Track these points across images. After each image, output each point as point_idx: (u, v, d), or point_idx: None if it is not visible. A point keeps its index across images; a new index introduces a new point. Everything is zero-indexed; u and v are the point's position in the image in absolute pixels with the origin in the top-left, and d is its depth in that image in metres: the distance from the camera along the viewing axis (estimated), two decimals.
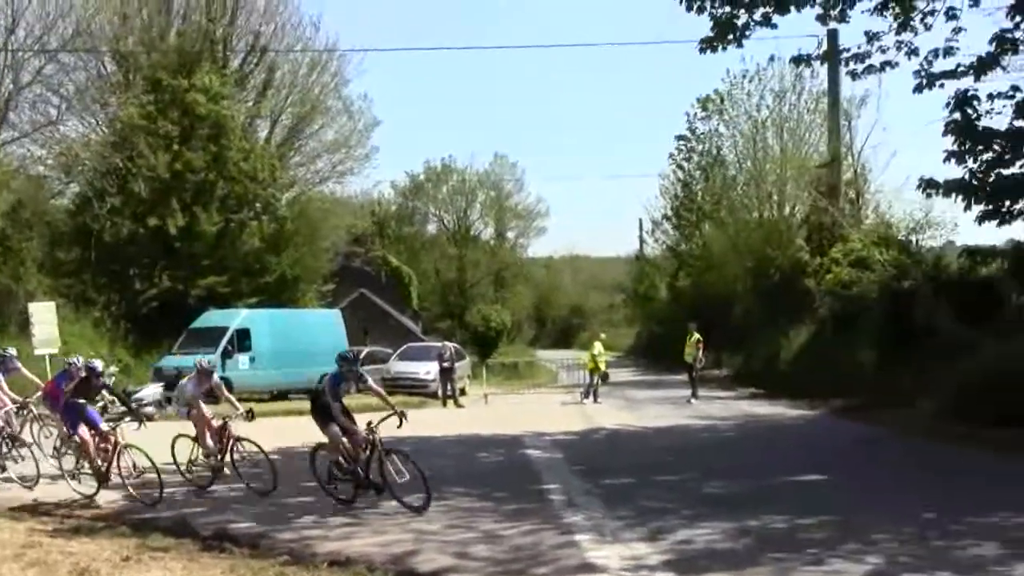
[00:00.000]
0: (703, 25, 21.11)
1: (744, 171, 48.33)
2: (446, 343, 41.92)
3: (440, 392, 36.45)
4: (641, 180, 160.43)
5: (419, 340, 53.53)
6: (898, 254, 31.47)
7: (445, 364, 36.81)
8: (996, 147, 20.19)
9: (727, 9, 20.86)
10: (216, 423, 16.32)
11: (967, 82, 20.65)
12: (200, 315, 37.86)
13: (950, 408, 21.58)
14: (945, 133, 20.44)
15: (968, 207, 20.46)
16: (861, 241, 34.05)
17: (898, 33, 21.48)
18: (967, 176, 20.44)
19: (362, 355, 42.64)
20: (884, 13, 21.37)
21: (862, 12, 21.54)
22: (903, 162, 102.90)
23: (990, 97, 20.42)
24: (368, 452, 14.18)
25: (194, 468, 16.46)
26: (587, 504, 14.03)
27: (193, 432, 16.43)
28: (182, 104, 41.92)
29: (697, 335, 34.66)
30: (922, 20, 21.32)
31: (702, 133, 54.44)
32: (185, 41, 44.14)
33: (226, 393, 17.08)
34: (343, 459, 14.43)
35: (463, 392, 39.41)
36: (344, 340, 41.04)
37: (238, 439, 16.19)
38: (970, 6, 20.82)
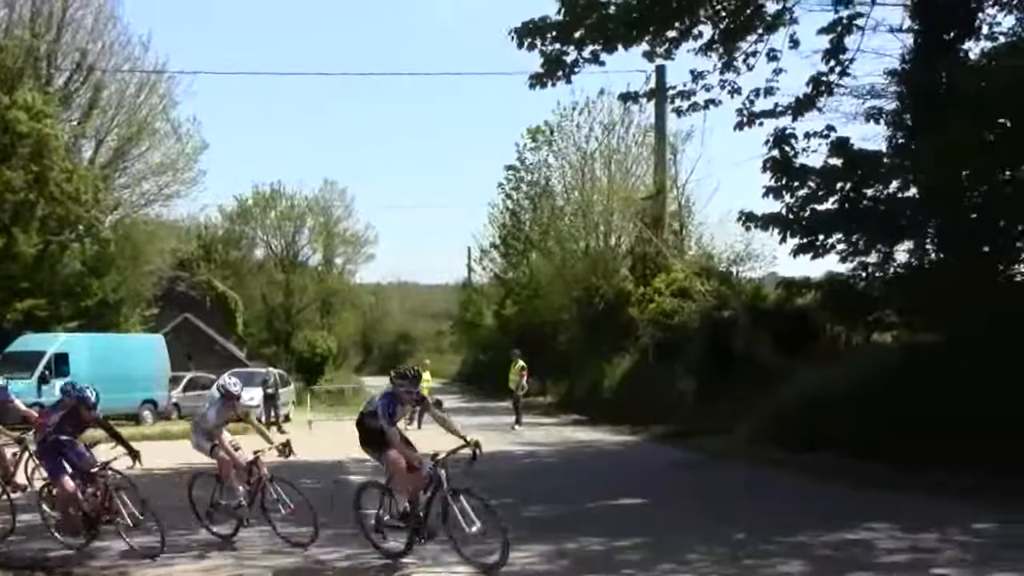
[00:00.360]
0: (536, 58, 21.43)
1: (572, 201, 48.83)
2: (270, 369, 41.45)
3: (264, 418, 35.91)
4: (471, 209, 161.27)
5: (243, 366, 52.63)
6: (719, 285, 32.27)
7: (269, 390, 36.40)
8: (811, 184, 20.73)
9: (557, 47, 21.18)
10: (244, 458, 13.69)
11: (785, 121, 21.34)
12: (16, 339, 36.52)
13: (767, 434, 22.22)
14: (764, 169, 20.95)
15: (784, 240, 21.02)
16: (683, 272, 34.82)
17: (722, 72, 22.12)
18: (784, 210, 21.03)
19: (185, 380, 42.23)
20: (709, 53, 21.96)
21: (688, 51, 22.13)
22: (726, 195, 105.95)
23: (807, 136, 21.03)
24: (430, 492, 11.74)
25: (216, 514, 13.87)
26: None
27: (207, 466, 14.18)
28: (2, 121, 40.34)
29: (521, 362, 34.91)
30: (745, 61, 22.03)
31: (531, 163, 54.84)
32: (7, 56, 42.47)
33: (255, 421, 14.78)
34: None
35: (287, 418, 38.98)
36: (167, 365, 40.28)
37: (271, 479, 13.51)
38: (790, 48, 21.55)
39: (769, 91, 21.72)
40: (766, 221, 21.18)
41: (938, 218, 19.83)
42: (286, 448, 13.64)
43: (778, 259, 36.65)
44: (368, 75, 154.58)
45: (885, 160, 20.45)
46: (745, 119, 21.92)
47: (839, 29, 20.66)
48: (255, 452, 13.64)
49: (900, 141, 20.66)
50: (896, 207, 20.32)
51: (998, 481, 15.42)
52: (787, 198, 20.92)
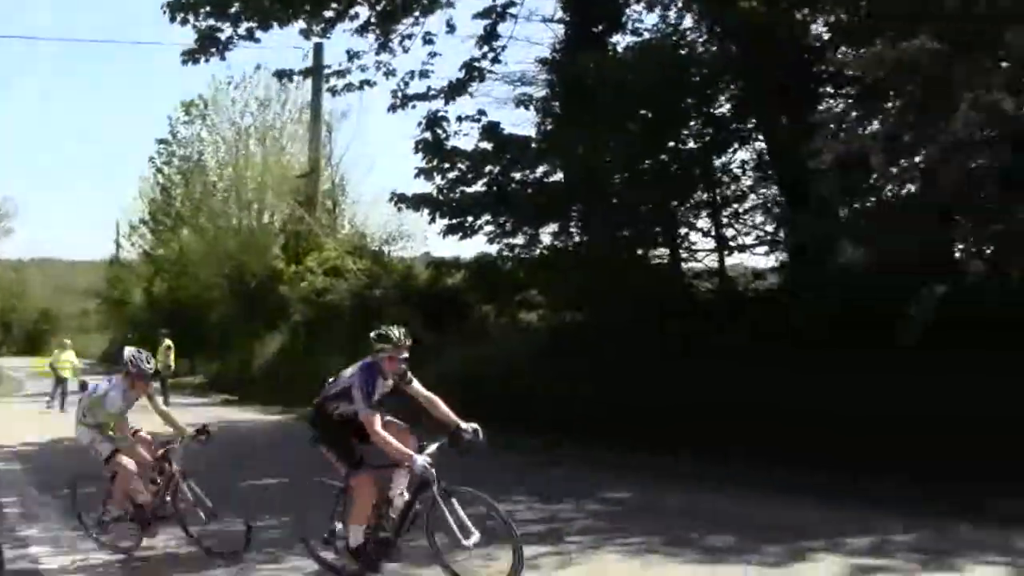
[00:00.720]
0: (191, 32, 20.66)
1: (225, 178, 47.46)
2: None
3: None
4: (120, 183, 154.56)
5: None
6: (371, 264, 32.17)
7: None
8: (461, 166, 20.99)
9: (211, 22, 20.48)
10: (147, 453, 10.80)
11: (438, 104, 21.53)
12: None
13: (414, 411, 22.20)
14: (417, 151, 21.07)
15: (433, 220, 21.20)
16: (336, 250, 34.55)
17: (378, 53, 22.09)
18: (435, 192, 21.17)
19: None
20: (365, 34, 21.76)
21: (344, 31, 21.89)
22: (382, 175, 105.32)
23: (459, 119, 21.32)
24: (411, 496, 9.22)
25: (109, 523, 11.03)
26: (45, 516, 13.00)
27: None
28: None
29: (168, 341, 33.68)
30: (401, 43, 22.04)
31: (184, 138, 52.88)
32: None
33: (162, 406, 11.53)
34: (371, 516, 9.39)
35: None
36: None
37: (185, 475, 10.75)
38: (447, 33, 21.69)
39: (424, 74, 21.87)
40: (416, 201, 21.28)
41: (582, 203, 20.36)
42: (203, 433, 11.04)
43: (429, 239, 37.14)
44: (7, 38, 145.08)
45: (533, 145, 20.83)
46: (399, 101, 21.96)
47: (493, 16, 21.00)
48: (166, 445, 10.86)
49: (548, 128, 21.12)
50: (543, 191, 20.73)
51: (637, 458, 15.99)
52: (438, 179, 21.13)
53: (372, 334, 9.38)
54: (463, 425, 9.23)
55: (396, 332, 9.31)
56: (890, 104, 14.13)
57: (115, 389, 10.87)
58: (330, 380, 9.77)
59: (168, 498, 10.81)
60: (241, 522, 10.53)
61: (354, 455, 9.43)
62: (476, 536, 8.67)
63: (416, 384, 9.54)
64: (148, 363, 10.85)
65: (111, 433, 10.99)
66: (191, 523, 10.79)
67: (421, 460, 8.79)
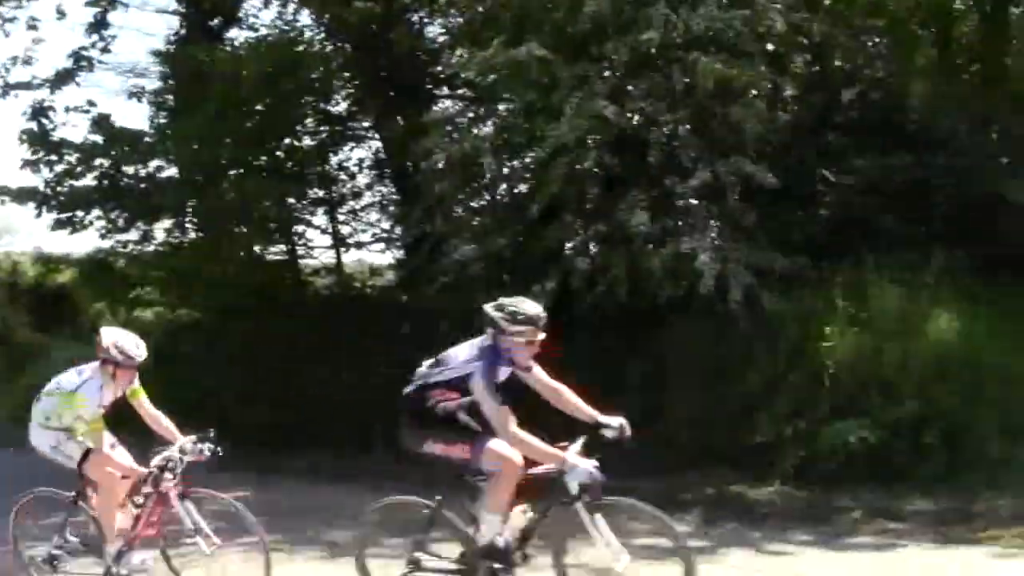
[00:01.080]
0: None
1: None
2: None
3: None
4: None
5: None
6: None
7: None
8: (71, 159, 19.56)
9: None
10: (130, 472, 8.06)
11: (44, 93, 19.89)
12: None
13: (22, 413, 20.95)
14: (22, 141, 19.52)
15: (40, 215, 19.68)
16: None
17: None
18: (42, 185, 19.60)
19: None
20: None
21: None
22: None
23: (67, 110, 19.88)
24: (542, 512, 6.98)
25: (63, 560, 8.34)
26: None
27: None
28: None
29: None
30: (2, 26, 20.24)
31: None
32: None
33: (150, 407, 8.52)
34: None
35: None
36: None
37: (182, 497, 7.85)
38: (58, 19, 20.12)
39: (27, 61, 20.14)
40: (19, 195, 19.66)
41: (197, 198, 19.54)
42: (205, 441, 8.04)
43: (41, 234, 35.14)
44: None
45: (146, 139, 19.70)
46: (0, 90, 20.19)
47: (104, 4, 19.66)
48: (157, 462, 7.91)
49: (162, 121, 20.08)
50: (157, 186, 19.67)
51: (257, 459, 15.34)
52: (45, 172, 19.55)
53: (495, 312, 6.89)
54: (602, 419, 6.98)
55: (533, 308, 6.92)
56: (502, 107, 14.26)
57: (89, 383, 8.20)
58: (428, 363, 7.31)
59: (154, 520, 8.10)
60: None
61: (471, 427, 7.08)
62: (626, 558, 6.64)
63: (538, 370, 7.16)
64: (139, 348, 8.19)
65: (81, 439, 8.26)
66: (187, 557, 8.14)
67: (584, 463, 6.60)
